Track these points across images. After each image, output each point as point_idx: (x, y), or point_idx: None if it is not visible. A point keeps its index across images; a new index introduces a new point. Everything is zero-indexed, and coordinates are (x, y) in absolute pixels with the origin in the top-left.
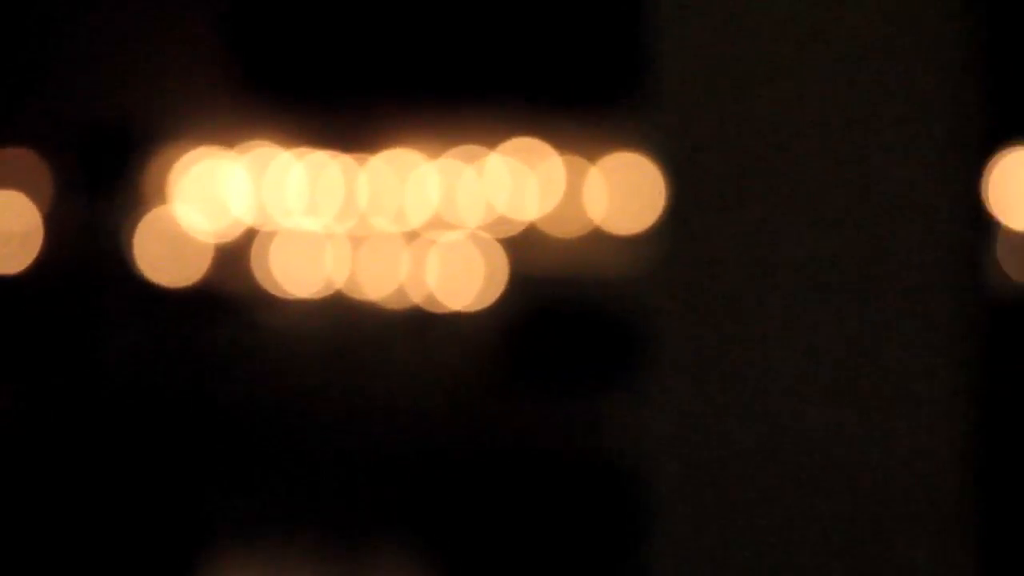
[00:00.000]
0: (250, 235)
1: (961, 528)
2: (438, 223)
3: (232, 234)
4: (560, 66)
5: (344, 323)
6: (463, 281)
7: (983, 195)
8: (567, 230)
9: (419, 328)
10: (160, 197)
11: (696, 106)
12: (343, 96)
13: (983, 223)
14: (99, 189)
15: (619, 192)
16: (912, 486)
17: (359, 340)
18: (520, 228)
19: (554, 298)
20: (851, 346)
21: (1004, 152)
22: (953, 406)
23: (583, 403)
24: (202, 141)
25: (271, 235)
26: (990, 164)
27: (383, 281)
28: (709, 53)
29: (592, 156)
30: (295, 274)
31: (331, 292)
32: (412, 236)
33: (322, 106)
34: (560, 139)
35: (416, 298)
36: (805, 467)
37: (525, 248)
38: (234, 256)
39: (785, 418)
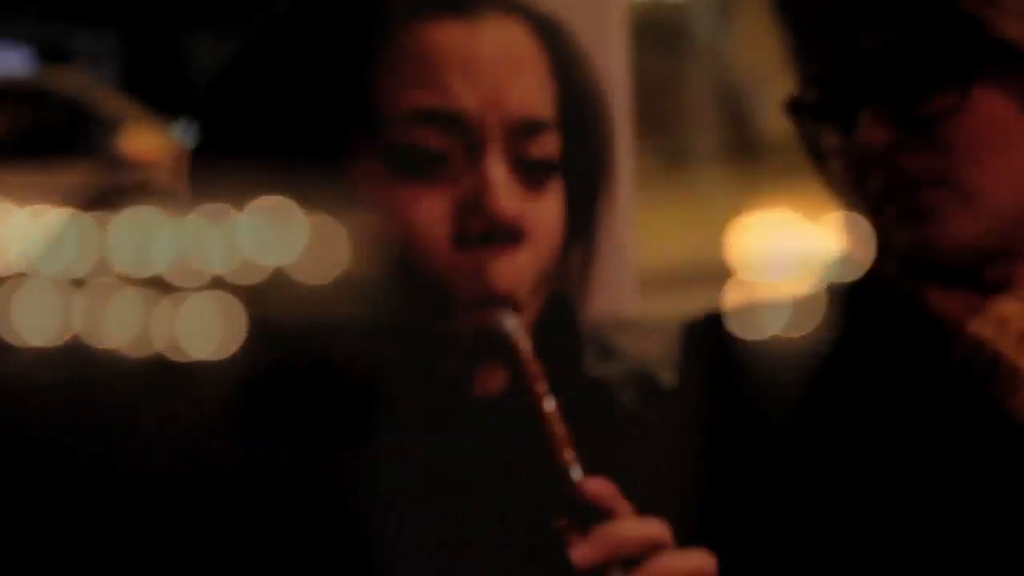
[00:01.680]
0: None
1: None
2: (181, 270)
3: None
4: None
5: (82, 370)
6: (206, 329)
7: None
8: (314, 277)
9: (160, 376)
10: None
11: None
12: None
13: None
14: None
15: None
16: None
17: (97, 387)
18: (265, 275)
19: (297, 347)
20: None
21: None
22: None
23: (325, 452)
24: None
25: (5, 281)
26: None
27: (123, 328)
28: None
29: (343, 213)
30: (30, 321)
31: (69, 339)
32: (154, 283)
33: (63, 164)
34: (308, 197)
35: (158, 345)
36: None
37: (269, 296)
38: None
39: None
